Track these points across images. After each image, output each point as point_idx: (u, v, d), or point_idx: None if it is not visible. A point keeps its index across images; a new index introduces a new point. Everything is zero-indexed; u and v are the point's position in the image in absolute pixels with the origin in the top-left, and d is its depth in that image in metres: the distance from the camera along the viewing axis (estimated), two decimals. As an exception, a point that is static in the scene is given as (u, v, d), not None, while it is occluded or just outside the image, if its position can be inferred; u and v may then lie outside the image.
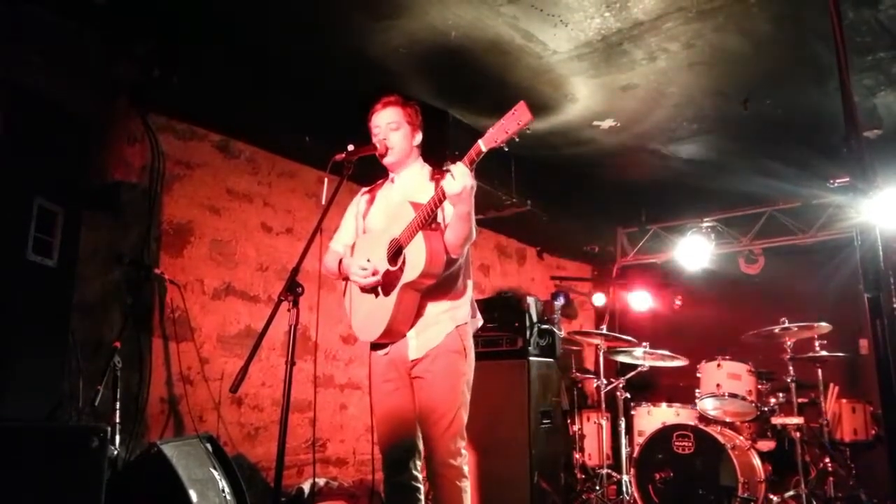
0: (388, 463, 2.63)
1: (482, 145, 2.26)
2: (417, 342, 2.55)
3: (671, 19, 3.54)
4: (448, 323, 2.57)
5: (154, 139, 3.93)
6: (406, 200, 2.56)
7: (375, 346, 2.68)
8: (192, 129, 4.19)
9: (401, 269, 2.49)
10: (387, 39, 3.79)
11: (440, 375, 2.51)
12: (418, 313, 2.55)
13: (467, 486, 2.49)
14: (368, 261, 2.63)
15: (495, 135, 2.23)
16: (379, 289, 2.60)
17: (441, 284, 2.55)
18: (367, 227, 2.79)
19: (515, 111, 2.20)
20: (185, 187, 4.11)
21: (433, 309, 2.57)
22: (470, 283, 2.72)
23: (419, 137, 2.76)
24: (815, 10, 3.36)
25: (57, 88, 3.00)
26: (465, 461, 2.52)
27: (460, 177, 2.27)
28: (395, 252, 2.54)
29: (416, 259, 2.43)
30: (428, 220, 2.43)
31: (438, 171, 2.71)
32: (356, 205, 2.90)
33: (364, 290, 2.65)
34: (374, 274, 2.56)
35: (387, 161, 2.72)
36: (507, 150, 2.29)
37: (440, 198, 2.37)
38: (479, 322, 2.75)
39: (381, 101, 2.74)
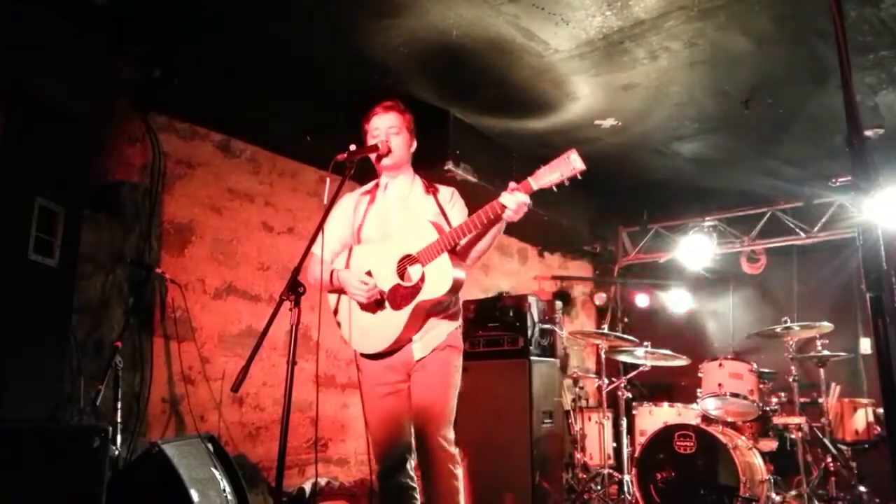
0: (386, 466, 2.62)
1: (532, 184, 2.35)
2: (422, 343, 2.60)
3: (673, 18, 3.53)
4: (447, 325, 2.65)
5: (155, 139, 3.93)
6: (424, 219, 2.58)
7: (372, 355, 2.66)
8: (192, 129, 4.19)
9: (417, 287, 2.51)
10: (388, 39, 3.78)
11: (440, 367, 2.59)
12: (424, 322, 2.62)
13: (461, 473, 2.56)
14: (369, 274, 2.61)
15: (547, 177, 2.32)
16: (386, 303, 2.60)
17: None
18: (364, 237, 2.73)
19: (569, 158, 2.29)
20: (186, 187, 4.11)
21: (435, 315, 2.63)
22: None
23: (414, 145, 2.80)
24: (817, 9, 3.36)
25: (57, 89, 2.99)
26: (456, 449, 2.59)
27: (521, 209, 2.37)
28: (408, 267, 2.56)
29: (440, 280, 2.47)
30: (455, 245, 2.48)
31: (430, 184, 2.77)
32: (345, 211, 2.80)
33: (365, 305, 2.62)
34: (372, 289, 2.58)
35: (385, 162, 2.70)
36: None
37: (486, 219, 2.42)
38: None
39: (382, 105, 2.73)
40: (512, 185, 2.38)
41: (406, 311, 2.53)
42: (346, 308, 2.72)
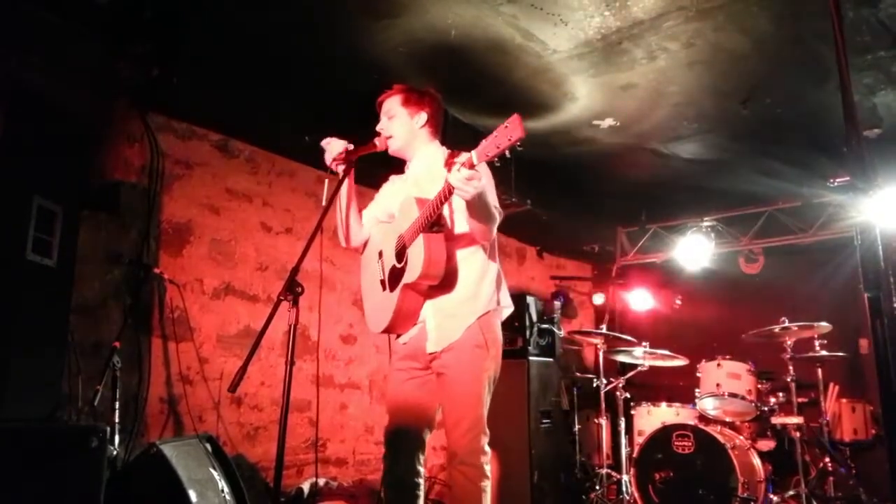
0: (389, 452, 2.57)
1: (474, 158, 2.16)
2: (437, 334, 2.48)
3: (671, 18, 3.54)
4: (468, 315, 2.48)
5: (153, 139, 3.93)
6: (413, 196, 2.52)
7: (400, 341, 2.66)
8: (191, 129, 4.19)
9: (403, 269, 2.48)
10: (386, 38, 3.78)
11: (460, 372, 2.43)
12: (434, 301, 2.51)
13: (487, 487, 2.38)
14: (381, 254, 2.67)
15: (486, 149, 2.14)
16: (386, 282, 2.61)
17: (462, 272, 2.50)
18: (393, 215, 2.75)
19: (508, 125, 2.09)
20: (184, 187, 4.11)
21: (452, 299, 2.49)
22: (494, 268, 2.62)
23: (422, 118, 2.68)
24: (816, 9, 3.35)
25: (57, 88, 2.99)
26: (488, 460, 2.41)
27: (465, 185, 2.18)
28: (402, 249, 2.52)
29: (415, 261, 2.41)
30: (429, 224, 2.36)
31: (454, 152, 2.58)
32: (388, 188, 2.86)
33: (372, 285, 2.65)
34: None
35: (392, 152, 2.71)
36: (498, 163, 2.22)
37: (442, 200, 2.30)
38: (508, 309, 2.64)
39: (381, 95, 2.76)
40: (457, 159, 2.23)
41: (396, 294, 2.50)
42: (364, 287, 2.80)
